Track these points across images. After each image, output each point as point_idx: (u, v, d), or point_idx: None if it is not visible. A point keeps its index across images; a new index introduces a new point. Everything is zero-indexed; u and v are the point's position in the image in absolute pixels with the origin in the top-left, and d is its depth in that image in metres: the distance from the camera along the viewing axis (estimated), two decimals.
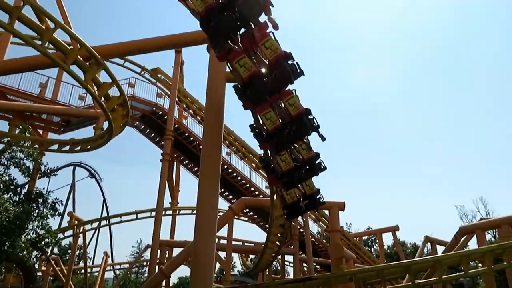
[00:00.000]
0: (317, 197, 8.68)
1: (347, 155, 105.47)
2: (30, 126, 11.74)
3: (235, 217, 29.77)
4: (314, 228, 28.75)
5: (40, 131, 19.36)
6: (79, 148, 16.47)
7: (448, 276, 11.02)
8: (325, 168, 8.04)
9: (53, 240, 11.13)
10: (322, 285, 11.63)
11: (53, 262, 25.12)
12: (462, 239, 13.50)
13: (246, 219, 29.07)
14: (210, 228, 8.70)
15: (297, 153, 7.86)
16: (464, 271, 10.68)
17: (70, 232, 24.11)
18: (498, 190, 65.65)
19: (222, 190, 24.82)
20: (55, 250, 48.51)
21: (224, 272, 16.17)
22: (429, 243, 20.72)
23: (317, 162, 7.97)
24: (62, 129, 19.08)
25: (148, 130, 22.53)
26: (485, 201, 63.65)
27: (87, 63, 9.20)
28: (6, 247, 10.12)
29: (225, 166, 22.77)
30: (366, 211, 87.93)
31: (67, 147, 16.68)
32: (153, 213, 21.40)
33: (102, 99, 11.10)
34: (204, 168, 9.29)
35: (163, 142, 20.06)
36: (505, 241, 11.78)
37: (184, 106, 23.16)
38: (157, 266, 16.65)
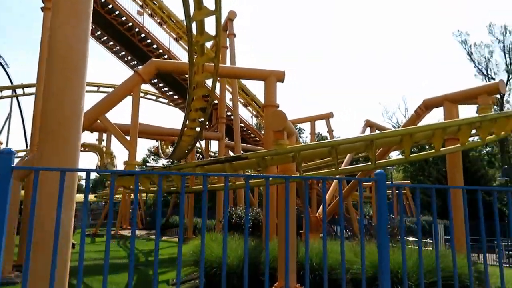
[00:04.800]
0: None
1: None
2: None
3: (148, 97, 25.74)
4: (243, 112, 25.83)
5: None
6: None
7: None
8: None
9: None
10: (255, 165, 8.71)
11: None
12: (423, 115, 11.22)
13: (166, 101, 25.26)
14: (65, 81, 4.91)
15: None
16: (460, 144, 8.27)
17: None
18: (420, 92, 67.50)
19: (135, 62, 20.36)
20: None
21: (129, 156, 12.74)
22: (368, 128, 19.18)
23: None
24: None
25: None
26: (406, 100, 67.26)
27: None
28: None
29: (137, 29, 18.03)
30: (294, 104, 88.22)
31: None
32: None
33: None
34: None
35: None
36: (485, 112, 9.53)
37: None
38: None
